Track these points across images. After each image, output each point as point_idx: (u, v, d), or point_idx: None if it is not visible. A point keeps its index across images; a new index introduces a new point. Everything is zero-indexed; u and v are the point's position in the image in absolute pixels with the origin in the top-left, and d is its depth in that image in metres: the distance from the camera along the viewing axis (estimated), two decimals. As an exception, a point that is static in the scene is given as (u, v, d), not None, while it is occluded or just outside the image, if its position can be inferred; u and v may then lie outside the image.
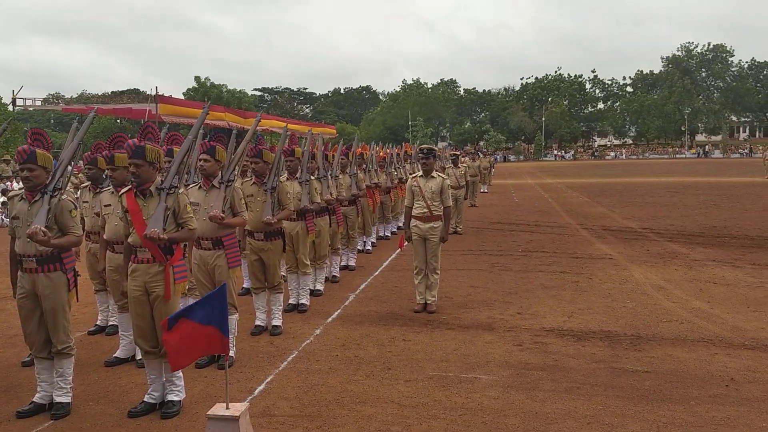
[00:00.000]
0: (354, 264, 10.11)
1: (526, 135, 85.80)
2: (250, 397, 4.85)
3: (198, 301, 3.92)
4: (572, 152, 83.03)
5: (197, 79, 49.57)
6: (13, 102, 34.14)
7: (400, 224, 13.90)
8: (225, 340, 3.89)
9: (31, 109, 38.52)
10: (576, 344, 6.08)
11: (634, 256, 10.83)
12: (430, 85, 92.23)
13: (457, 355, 5.80)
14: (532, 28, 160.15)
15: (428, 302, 7.38)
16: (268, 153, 6.50)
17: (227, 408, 3.83)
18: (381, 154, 14.09)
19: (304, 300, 7.49)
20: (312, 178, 7.69)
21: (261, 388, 5.06)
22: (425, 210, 7.29)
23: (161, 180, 4.67)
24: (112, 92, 40.01)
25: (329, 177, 8.60)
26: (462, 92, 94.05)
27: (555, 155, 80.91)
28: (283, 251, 6.71)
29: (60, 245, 4.45)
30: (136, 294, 4.57)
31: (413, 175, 7.61)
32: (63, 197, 4.54)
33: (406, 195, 7.54)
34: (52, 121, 51.47)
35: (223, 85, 51.42)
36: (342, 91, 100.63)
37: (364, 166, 11.37)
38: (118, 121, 38.43)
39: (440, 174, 7.49)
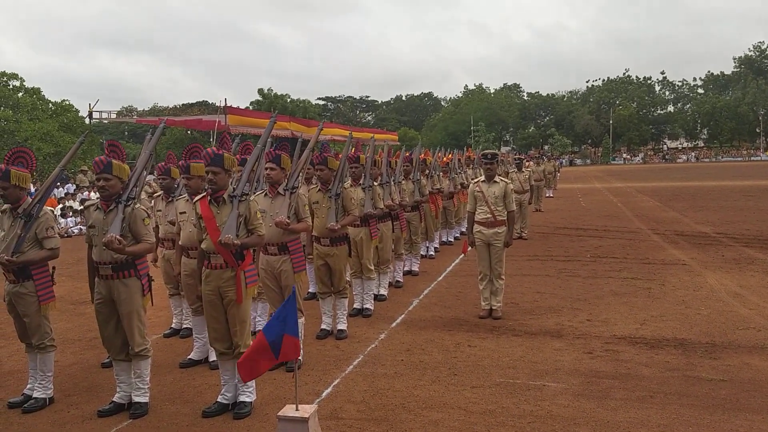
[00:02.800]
0: (417, 269, 10.11)
1: (593, 138, 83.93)
2: (317, 400, 4.92)
3: (273, 316, 4.04)
4: (641, 155, 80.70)
5: (260, 91, 50.70)
6: (90, 115, 35.80)
7: (463, 229, 13.81)
8: (297, 343, 3.98)
9: (106, 121, 40.28)
10: (649, 352, 5.90)
11: (709, 261, 10.43)
12: (492, 90, 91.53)
13: (524, 362, 5.72)
14: (593, 29, 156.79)
15: (493, 308, 7.29)
16: (333, 160, 6.60)
17: (297, 409, 3.90)
18: (444, 159, 14.05)
19: (369, 305, 7.53)
20: (375, 184, 7.63)
21: (328, 391, 5.13)
22: (488, 215, 7.24)
23: (233, 188, 4.80)
24: (183, 104, 41.36)
25: (392, 183, 8.61)
26: (525, 96, 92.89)
27: (624, 159, 78.79)
28: (348, 256, 6.77)
29: (134, 252, 4.63)
30: (210, 298, 4.72)
31: (475, 180, 7.57)
32: (137, 206, 4.73)
33: (469, 200, 7.48)
34: (126, 132, 53.68)
35: (286, 95, 52.39)
36: (403, 98, 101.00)
37: (427, 171, 11.33)
38: (189, 132, 39.67)
39: (503, 179, 7.45)
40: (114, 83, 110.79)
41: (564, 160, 72.14)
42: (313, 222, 6.21)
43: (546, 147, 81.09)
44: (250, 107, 48.08)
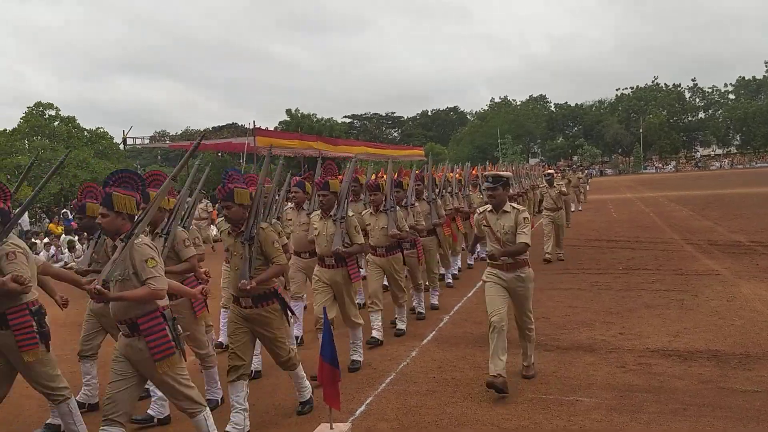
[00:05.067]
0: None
1: (623, 147, 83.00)
2: (351, 418, 5.00)
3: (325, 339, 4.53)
4: (673, 164, 79.54)
5: (288, 111, 51.36)
6: (124, 141, 36.66)
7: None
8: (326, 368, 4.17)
9: (139, 146, 41.19)
10: (682, 364, 5.86)
11: (743, 271, 10.27)
12: (518, 102, 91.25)
13: (556, 377, 5.72)
14: (614, 37, 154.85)
15: (525, 365, 5.87)
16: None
17: (331, 428, 3.99)
18: (473, 172, 13.98)
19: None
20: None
21: (361, 409, 5.20)
22: (504, 256, 5.60)
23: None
24: (213, 127, 42.14)
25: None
26: (552, 107, 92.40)
27: (655, 167, 77.75)
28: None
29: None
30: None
31: (481, 209, 5.90)
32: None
33: (475, 228, 6.04)
34: (159, 157, 54.71)
35: (313, 114, 52.95)
36: (429, 113, 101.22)
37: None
38: (219, 154, 40.31)
39: (516, 206, 5.69)
40: (141, 108, 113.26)
41: (594, 171, 71.40)
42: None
43: (575, 158, 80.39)
44: (279, 128, 48.65)
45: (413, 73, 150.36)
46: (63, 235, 18.91)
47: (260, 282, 4.71)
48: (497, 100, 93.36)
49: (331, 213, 6.19)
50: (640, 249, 13.62)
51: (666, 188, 38.94)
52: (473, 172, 13.95)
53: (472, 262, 12.59)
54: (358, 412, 5.13)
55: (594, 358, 6.20)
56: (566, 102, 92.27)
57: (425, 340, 7.20)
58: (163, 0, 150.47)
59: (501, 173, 5.79)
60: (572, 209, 22.18)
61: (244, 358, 4.80)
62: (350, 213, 6.28)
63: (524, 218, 5.54)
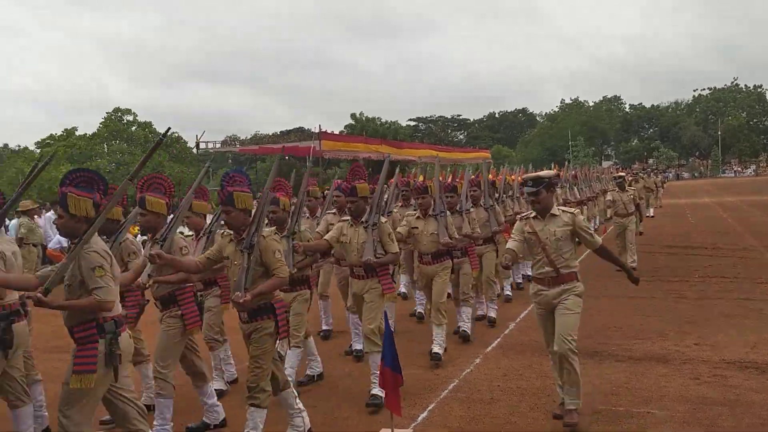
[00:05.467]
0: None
1: (700, 150, 79.89)
2: (413, 424, 4.96)
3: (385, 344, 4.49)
4: (753, 167, 75.94)
5: (353, 115, 51.82)
6: (197, 145, 37.82)
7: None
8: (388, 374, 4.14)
9: (211, 150, 42.40)
10: (760, 377, 5.56)
11: (832, 280, 9.67)
12: (591, 103, 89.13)
13: (627, 389, 5.52)
14: (688, 37, 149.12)
15: (567, 407, 4.83)
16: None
17: (392, 434, 3.95)
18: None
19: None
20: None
21: (423, 415, 5.15)
22: (548, 268, 4.87)
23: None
24: (281, 132, 42.95)
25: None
26: (627, 108, 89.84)
27: (734, 171, 74.45)
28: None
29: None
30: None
31: (524, 214, 5.26)
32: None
33: (514, 236, 5.12)
34: (230, 160, 56.19)
35: (377, 117, 53.27)
36: (497, 115, 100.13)
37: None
38: (287, 158, 41.07)
39: (566, 209, 5.07)
40: (213, 113, 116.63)
41: (670, 174, 68.98)
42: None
43: (651, 161, 77.86)
44: (344, 131, 49.18)
45: (480, 75, 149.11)
46: (138, 236, 19.67)
47: (257, 295, 4.29)
48: (568, 101, 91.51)
49: (362, 219, 5.63)
50: (717, 256, 13.04)
51: (745, 193, 37.20)
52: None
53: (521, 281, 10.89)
54: (420, 418, 5.08)
55: (667, 369, 5.95)
56: (641, 103, 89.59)
57: (490, 347, 7.08)
58: (232, 9, 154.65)
59: (541, 174, 5.04)
60: (646, 214, 21.06)
61: (273, 375, 4.50)
62: (383, 219, 5.72)
63: (582, 222, 4.92)
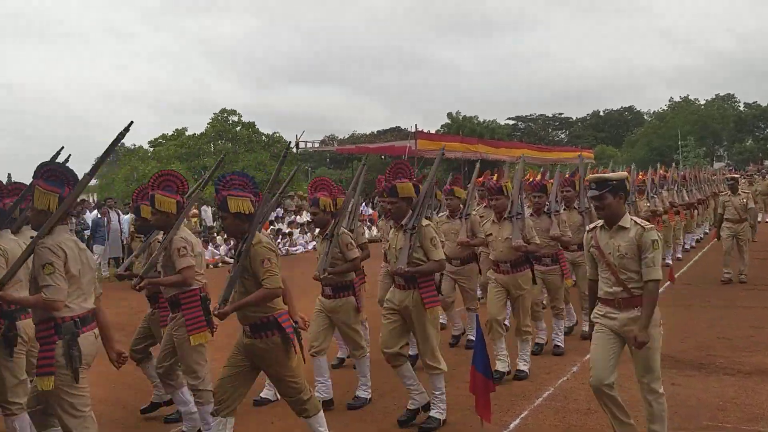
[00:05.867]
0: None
1: (822, 151, 73.93)
2: (505, 431, 4.85)
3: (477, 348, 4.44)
4: None
5: (449, 115, 51.57)
6: (297, 145, 38.87)
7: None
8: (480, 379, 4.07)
9: (310, 150, 43.51)
10: None
11: None
12: (702, 102, 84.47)
13: (736, 404, 5.18)
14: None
15: None
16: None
17: (482, 441, 3.87)
18: (640, 176, 12.84)
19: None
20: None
21: (516, 422, 5.03)
22: (616, 287, 4.15)
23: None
24: (378, 131, 43.44)
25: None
26: (741, 107, 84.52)
27: None
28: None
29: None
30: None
31: (591, 226, 4.49)
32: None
33: (586, 260, 4.60)
34: (328, 159, 57.38)
35: (475, 116, 52.71)
36: (601, 113, 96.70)
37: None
38: (382, 157, 41.50)
39: (639, 220, 4.22)
40: (312, 113, 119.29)
41: (791, 176, 64.26)
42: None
43: (766, 162, 72.83)
44: (441, 131, 49.06)
45: (583, 72, 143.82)
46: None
47: (237, 307, 4.01)
48: (677, 99, 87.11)
49: (403, 222, 5.06)
50: None
51: None
52: (640, 177, 12.44)
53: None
54: (512, 426, 4.97)
55: (782, 387, 5.53)
56: (756, 101, 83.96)
57: (587, 356, 6.79)
58: (329, 10, 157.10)
59: (608, 175, 4.27)
60: (759, 220, 19.08)
61: (229, 392, 4.09)
62: (424, 222, 5.04)
63: (653, 241, 4.03)
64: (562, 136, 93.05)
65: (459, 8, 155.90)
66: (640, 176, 12.43)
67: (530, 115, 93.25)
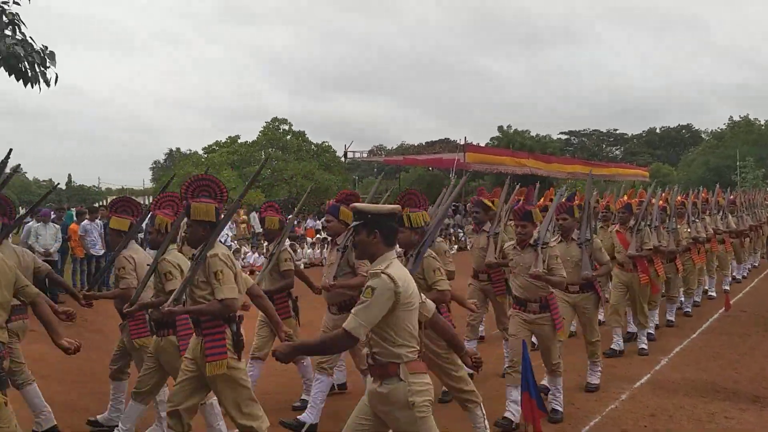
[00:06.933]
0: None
1: None
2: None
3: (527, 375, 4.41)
4: None
5: (500, 128, 51.02)
6: (345, 154, 39.15)
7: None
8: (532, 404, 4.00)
9: (358, 159, 43.71)
10: None
11: None
12: (762, 122, 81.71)
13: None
14: None
15: None
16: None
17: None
18: (678, 199, 11.27)
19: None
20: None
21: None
22: None
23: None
24: (426, 143, 43.23)
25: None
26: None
27: None
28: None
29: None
30: None
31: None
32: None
33: None
34: (375, 170, 57.52)
35: (526, 131, 52.04)
36: (657, 131, 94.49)
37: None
38: (430, 169, 41.39)
39: (374, 269, 3.27)
40: (361, 123, 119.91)
41: None
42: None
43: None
44: (490, 144, 48.62)
45: (639, 88, 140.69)
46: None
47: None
48: (737, 118, 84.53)
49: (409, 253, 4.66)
50: None
51: None
52: (678, 199, 10.31)
53: (689, 309, 10.07)
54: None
55: None
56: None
57: (638, 383, 6.58)
58: (378, 21, 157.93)
59: (368, 207, 3.48)
60: None
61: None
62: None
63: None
64: (617, 152, 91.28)
65: (511, 19, 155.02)
66: (678, 199, 10.41)
67: (583, 130, 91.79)
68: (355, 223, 3.37)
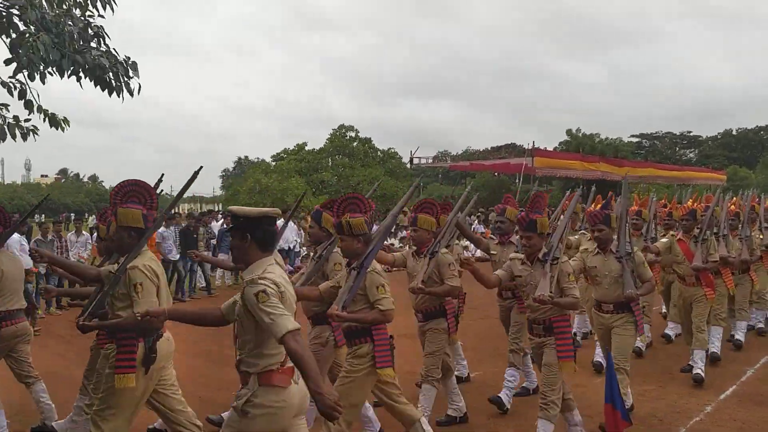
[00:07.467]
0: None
1: None
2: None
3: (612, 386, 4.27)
4: None
5: (569, 131, 49.87)
6: (411, 160, 39.23)
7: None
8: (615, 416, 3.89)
9: (423, 165, 43.69)
10: None
11: None
12: None
13: None
14: None
15: None
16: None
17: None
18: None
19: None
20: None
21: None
22: None
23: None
24: (492, 147, 42.79)
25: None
26: None
27: None
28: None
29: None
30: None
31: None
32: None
33: None
34: (440, 176, 57.30)
35: (596, 134, 50.67)
36: (734, 132, 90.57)
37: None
38: (496, 174, 40.90)
39: (251, 278, 3.15)
40: (426, 129, 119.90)
41: None
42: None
43: None
44: (559, 148, 47.66)
45: (714, 88, 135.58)
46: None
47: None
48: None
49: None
50: None
51: None
52: (765, 204, 9.49)
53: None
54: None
55: None
56: None
57: (724, 395, 6.28)
58: (444, 24, 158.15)
59: (242, 210, 3.25)
60: None
61: None
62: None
63: (255, 294, 3.03)
64: (691, 155, 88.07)
65: (579, 19, 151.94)
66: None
67: (656, 132, 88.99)
68: (229, 227, 3.27)
